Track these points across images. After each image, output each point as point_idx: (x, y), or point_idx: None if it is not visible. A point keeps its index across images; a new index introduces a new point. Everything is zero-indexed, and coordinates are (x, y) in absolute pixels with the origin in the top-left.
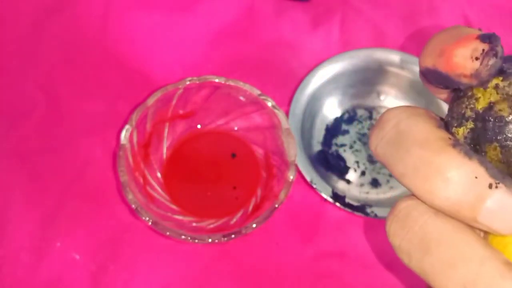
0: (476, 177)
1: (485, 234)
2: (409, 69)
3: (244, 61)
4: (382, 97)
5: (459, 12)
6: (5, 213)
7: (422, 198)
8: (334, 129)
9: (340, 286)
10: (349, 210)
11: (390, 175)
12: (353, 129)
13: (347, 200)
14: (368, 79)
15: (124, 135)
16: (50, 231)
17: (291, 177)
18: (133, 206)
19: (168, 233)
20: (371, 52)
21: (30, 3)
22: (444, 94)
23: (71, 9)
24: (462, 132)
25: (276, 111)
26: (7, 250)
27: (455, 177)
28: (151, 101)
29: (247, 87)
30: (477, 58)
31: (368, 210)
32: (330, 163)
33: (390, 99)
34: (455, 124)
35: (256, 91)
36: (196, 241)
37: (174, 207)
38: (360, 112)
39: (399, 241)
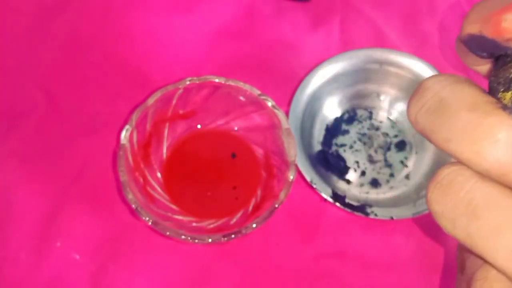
0: None
1: None
2: (409, 69)
3: (244, 61)
4: (382, 97)
5: (459, 12)
6: (5, 213)
7: (470, 161)
8: (334, 129)
9: (340, 286)
10: (349, 210)
11: (390, 175)
12: (353, 129)
13: (347, 200)
14: (368, 79)
15: (124, 135)
16: (50, 231)
17: (291, 177)
18: (133, 206)
19: (168, 233)
20: (371, 52)
21: (30, 3)
22: (481, 65)
23: (71, 9)
24: (510, 96)
25: (276, 111)
26: (7, 250)
27: (505, 138)
28: (151, 101)
29: (247, 87)
30: None
31: (368, 210)
32: (330, 163)
33: (390, 99)
34: (502, 89)
35: (256, 91)
36: (196, 241)
37: (174, 207)
38: (360, 112)
39: (442, 207)
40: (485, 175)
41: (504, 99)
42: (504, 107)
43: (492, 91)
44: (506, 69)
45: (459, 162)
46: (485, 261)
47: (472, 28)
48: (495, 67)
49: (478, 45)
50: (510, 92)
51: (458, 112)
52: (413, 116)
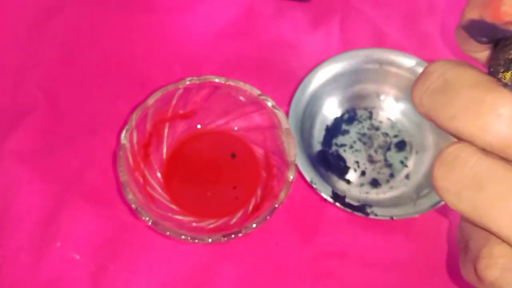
0: None
1: None
2: (409, 69)
3: (244, 61)
4: (382, 97)
5: (459, 12)
6: (5, 213)
7: (474, 136)
8: (334, 129)
9: (340, 286)
10: (349, 210)
11: (390, 175)
12: (353, 129)
13: (347, 200)
14: (368, 79)
15: (124, 135)
16: (50, 231)
17: (291, 177)
18: (133, 206)
19: (168, 233)
20: (371, 52)
21: (30, 3)
22: (481, 51)
23: (71, 9)
24: (509, 76)
25: (276, 111)
26: (7, 250)
27: (507, 112)
28: (151, 101)
29: (247, 87)
30: None
31: (368, 210)
32: (330, 163)
33: (390, 99)
34: (502, 70)
35: (256, 91)
36: (196, 241)
37: (174, 207)
38: (360, 112)
39: (448, 183)
40: (488, 151)
41: (504, 79)
42: (505, 85)
43: (492, 73)
44: (506, 50)
45: (463, 139)
46: (490, 233)
47: (472, 13)
48: (494, 50)
49: (479, 30)
50: (510, 72)
51: (461, 90)
52: (418, 98)
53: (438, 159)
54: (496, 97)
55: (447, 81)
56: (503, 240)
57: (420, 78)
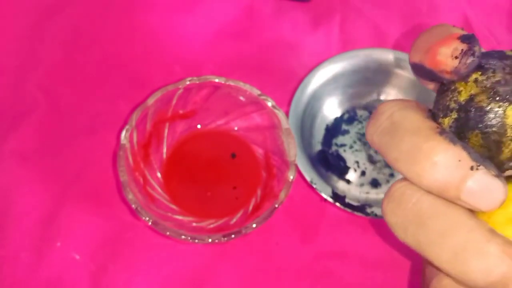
0: (459, 160)
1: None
2: (409, 69)
3: (244, 61)
4: (382, 97)
5: (459, 12)
6: (5, 213)
7: (413, 180)
8: (334, 129)
9: (340, 286)
10: (349, 210)
11: (390, 175)
12: (353, 129)
13: (347, 200)
14: (368, 79)
15: (124, 135)
16: (50, 231)
17: (291, 177)
18: (133, 206)
19: (168, 233)
20: (371, 52)
21: (30, 3)
22: (432, 84)
23: (71, 9)
24: (447, 121)
25: (276, 111)
26: (7, 250)
27: (442, 160)
28: (151, 101)
29: (247, 87)
30: (456, 57)
31: (368, 210)
32: (330, 163)
33: (390, 99)
34: (441, 115)
35: (256, 91)
36: (196, 241)
37: (174, 207)
38: (360, 112)
39: (396, 218)
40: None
41: (443, 124)
42: (442, 132)
43: (434, 116)
44: (443, 97)
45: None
46: (435, 267)
47: (415, 57)
48: (437, 94)
49: (421, 72)
50: (447, 118)
51: (404, 136)
52: (370, 136)
53: (386, 195)
54: (433, 145)
55: (394, 123)
56: (445, 274)
57: (372, 117)
